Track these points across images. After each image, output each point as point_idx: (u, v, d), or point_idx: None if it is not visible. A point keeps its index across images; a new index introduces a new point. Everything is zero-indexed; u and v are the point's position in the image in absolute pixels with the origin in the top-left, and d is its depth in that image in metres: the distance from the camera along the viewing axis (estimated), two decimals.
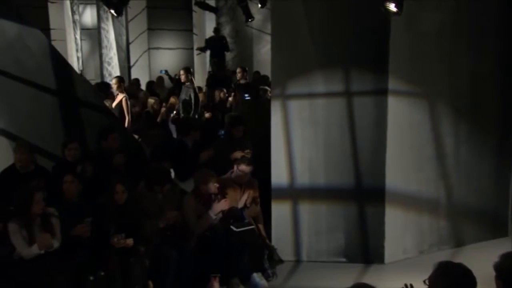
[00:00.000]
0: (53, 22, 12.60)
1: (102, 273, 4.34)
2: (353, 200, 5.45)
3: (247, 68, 11.02)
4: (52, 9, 12.74)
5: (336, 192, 5.45)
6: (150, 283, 4.64)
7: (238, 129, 6.30)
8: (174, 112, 8.89)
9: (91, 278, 4.27)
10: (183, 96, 9.03)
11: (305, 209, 5.56)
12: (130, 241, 4.49)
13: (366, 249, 5.44)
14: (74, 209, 4.46)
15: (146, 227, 4.73)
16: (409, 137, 5.49)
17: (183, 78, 9.24)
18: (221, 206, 5.00)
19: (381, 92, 5.25)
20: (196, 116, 8.93)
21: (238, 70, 10.59)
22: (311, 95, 5.47)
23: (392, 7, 4.54)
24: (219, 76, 11.85)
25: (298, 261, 5.56)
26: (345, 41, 5.31)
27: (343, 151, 5.43)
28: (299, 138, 5.54)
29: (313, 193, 5.52)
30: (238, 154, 5.96)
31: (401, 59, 5.26)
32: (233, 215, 5.20)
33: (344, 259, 5.50)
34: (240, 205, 5.23)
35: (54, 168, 5.20)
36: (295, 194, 5.58)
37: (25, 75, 5.49)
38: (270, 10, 6.54)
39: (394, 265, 5.37)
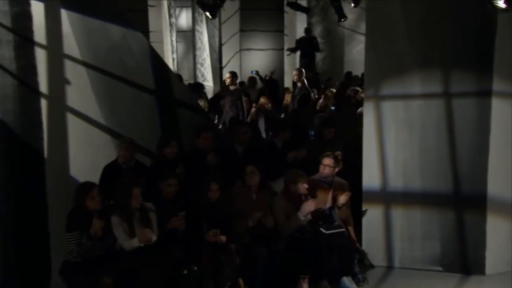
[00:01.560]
0: (151, 25, 13.20)
1: (195, 268, 4.47)
2: (450, 207, 5.21)
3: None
4: (151, 12, 13.35)
5: (432, 197, 5.24)
6: (241, 281, 4.72)
7: (329, 131, 6.22)
8: None
9: (185, 272, 4.41)
10: None
11: (398, 214, 5.39)
12: (223, 238, 4.59)
13: (464, 258, 5.19)
14: (169, 205, 4.63)
15: (237, 225, 4.81)
16: None
17: None
18: (308, 206, 4.98)
19: (484, 94, 4.99)
20: None
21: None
22: (406, 96, 5.31)
23: (500, 3, 4.29)
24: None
25: (390, 267, 5.41)
26: (444, 41, 5.11)
27: (441, 155, 5.20)
28: (392, 140, 5.38)
29: (407, 198, 5.34)
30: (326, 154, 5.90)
31: (508, 58, 4.95)
32: (322, 216, 5.16)
33: (440, 268, 5.27)
34: (328, 204, 5.16)
35: (153, 165, 5.41)
36: (387, 198, 5.44)
37: (127, 75, 5.75)
38: (365, 9, 6.39)
39: (496, 277, 5.06)
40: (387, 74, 5.37)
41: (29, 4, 4.85)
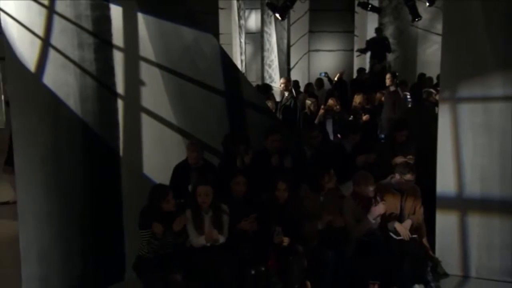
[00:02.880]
0: (221, 27, 13.39)
1: (263, 269, 4.48)
2: None
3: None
4: (221, 15, 13.56)
5: None
6: (308, 283, 4.68)
7: (401, 134, 6.04)
8: None
9: (253, 272, 4.43)
10: None
11: (475, 221, 5.15)
12: (285, 239, 4.57)
13: None
14: (239, 205, 4.67)
15: (305, 227, 4.78)
16: None
17: None
18: (378, 209, 4.87)
19: None
20: None
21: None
22: (486, 99, 5.06)
23: None
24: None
25: (465, 277, 5.18)
26: None
27: None
28: (470, 144, 5.15)
29: (485, 205, 5.09)
30: (399, 159, 5.73)
31: None
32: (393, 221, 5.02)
33: None
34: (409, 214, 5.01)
35: (221, 164, 5.48)
36: (463, 204, 5.21)
37: (198, 77, 5.84)
38: (442, 8, 6.16)
39: None
40: (465, 76, 5.15)
41: (109, 9, 5.03)
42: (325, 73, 11.02)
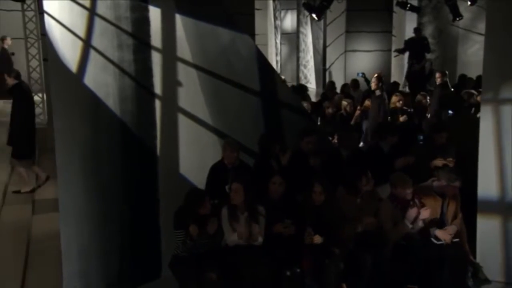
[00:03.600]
0: (257, 28, 13.41)
1: (298, 270, 4.46)
2: None
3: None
4: (257, 15, 13.57)
5: None
6: (344, 286, 4.63)
7: (441, 135, 5.91)
8: None
9: (288, 273, 4.41)
10: None
11: None
12: (317, 239, 4.53)
13: None
14: (276, 206, 4.66)
15: (342, 230, 4.73)
16: None
17: None
18: (422, 215, 4.77)
19: None
20: None
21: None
22: None
23: None
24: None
25: (508, 284, 5.03)
26: None
27: None
28: None
29: None
30: (439, 162, 5.62)
31: None
32: (434, 226, 4.92)
33: None
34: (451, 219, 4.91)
35: (257, 165, 5.48)
36: (506, 208, 5.06)
37: (234, 77, 5.86)
38: (484, 7, 5.99)
39: None
40: (509, 76, 5.00)
41: (147, 10, 5.11)
42: (362, 73, 10.87)
